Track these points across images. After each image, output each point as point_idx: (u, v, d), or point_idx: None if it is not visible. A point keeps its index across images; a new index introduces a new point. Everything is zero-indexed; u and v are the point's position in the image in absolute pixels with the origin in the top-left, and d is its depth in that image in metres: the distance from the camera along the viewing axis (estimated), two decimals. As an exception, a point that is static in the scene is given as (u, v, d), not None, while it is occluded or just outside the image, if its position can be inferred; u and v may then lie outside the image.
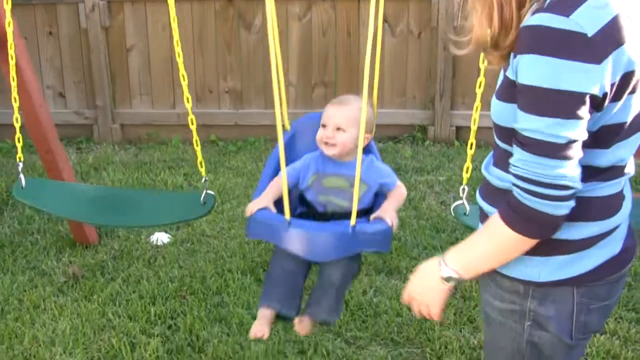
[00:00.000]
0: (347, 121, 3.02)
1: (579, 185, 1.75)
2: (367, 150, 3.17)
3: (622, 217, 1.92)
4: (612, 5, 1.72)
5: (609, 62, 1.69)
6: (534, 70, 1.71)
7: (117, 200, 4.11)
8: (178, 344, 3.80)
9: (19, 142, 3.91)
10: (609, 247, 1.89)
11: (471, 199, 3.75)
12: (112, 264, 4.60)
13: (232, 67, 6.68)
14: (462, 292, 4.20)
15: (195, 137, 3.82)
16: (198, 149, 3.83)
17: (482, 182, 2.05)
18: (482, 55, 3.46)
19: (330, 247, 2.85)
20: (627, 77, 1.74)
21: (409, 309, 3.98)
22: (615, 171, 1.87)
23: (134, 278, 4.44)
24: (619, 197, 1.91)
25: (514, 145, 1.78)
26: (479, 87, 3.55)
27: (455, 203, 3.62)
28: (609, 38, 1.69)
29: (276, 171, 3.16)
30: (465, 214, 3.57)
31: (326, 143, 3.04)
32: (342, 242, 2.83)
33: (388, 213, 2.92)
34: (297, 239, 2.83)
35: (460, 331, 3.89)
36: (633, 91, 1.77)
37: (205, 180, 3.78)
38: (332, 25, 6.54)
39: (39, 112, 4.37)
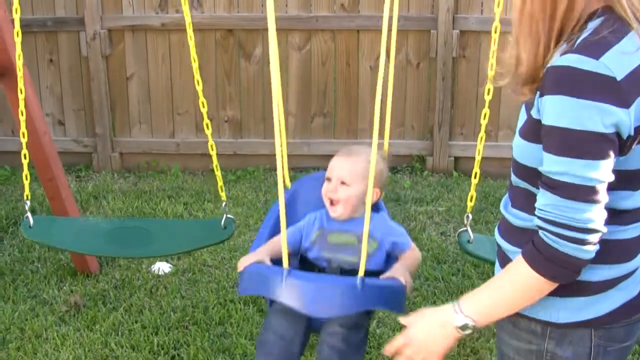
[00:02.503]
0: (352, 175, 2.81)
1: (605, 229, 1.76)
2: (376, 208, 2.93)
3: None
4: (639, 52, 1.74)
5: (635, 105, 1.71)
6: (561, 111, 1.72)
7: (133, 232, 4.10)
8: (182, 374, 3.80)
9: (26, 179, 3.87)
10: (627, 290, 1.90)
11: (474, 227, 3.76)
12: (113, 293, 4.59)
13: (232, 96, 6.71)
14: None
15: (215, 162, 3.91)
16: (218, 173, 3.92)
17: (501, 220, 2.05)
18: (487, 87, 3.50)
19: (334, 302, 2.51)
20: None
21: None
22: (636, 214, 1.88)
23: (136, 308, 4.43)
24: (639, 240, 1.92)
25: (540, 188, 1.79)
26: (484, 118, 3.60)
27: (460, 230, 3.64)
28: (636, 83, 1.71)
29: (274, 229, 2.91)
30: (469, 241, 3.59)
31: (331, 202, 2.84)
32: (349, 296, 2.50)
33: (400, 273, 2.65)
34: (296, 292, 2.49)
35: (465, 363, 3.90)
36: None
37: (225, 204, 3.87)
38: (332, 56, 6.58)
39: (42, 140, 4.38)
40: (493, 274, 2.06)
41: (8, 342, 4.11)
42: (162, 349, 4.03)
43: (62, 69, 6.73)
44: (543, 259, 1.78)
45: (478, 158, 3.62)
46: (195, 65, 3.73)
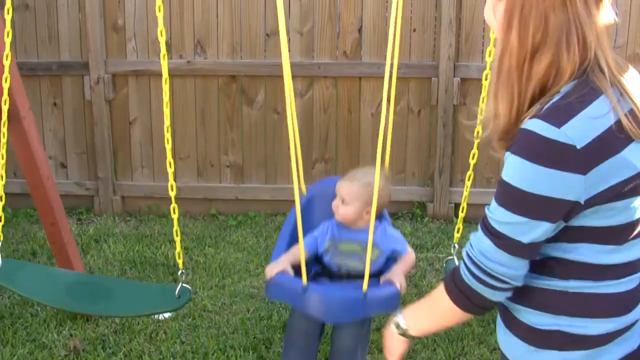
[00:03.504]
0: (349, 196, 3.39)
1: (519, 283, 1.87)
2: (379, 217, 3.47)
3: (639, 313, 1.93)
4: (612, 113, 1.77)
5: (598, 170, 1.75)
6: (516, 172, 1.80)
7: (92, 287, 4.14)
8: (181, 421, 3.77)
9: (0, 220, 3.92)
10: (627, 343, 1.90)
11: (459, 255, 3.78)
12: (113, 338, 4.58)
13: (234, 141, 6.74)
14: (465, 372, 4.20)
15: (175, 226, 3.78)
16: (177, 239, 3.78)
17: None
18: (476, 129, 3.59)
19: (344, 310, 3.17)
20: (628, 181, 1.79)
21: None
22: (629, 268, 1.89)
23: (136, 353, 4.41)
24: (635, 293, 1.92)
25: (479, 227, 1.89)
26: (472, 158, 3.76)
27: (447, 258, 3.75)
28: (601, 149, 1.76)
29: (294, 234, 3.42)
30: None
31: (335, 212, 3.45)
32: (355, 306, 3.11)
33: (397, 276, 3.25)
34: (313, 303, 3.11)
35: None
36: (638, 193, 1.82)
37: (182, 272, 3.73)
38: (333, 102, 6.62)
39: (45, 184, 4.40)
40: (493, 320, 2.14)
41: (6, 386, 4.10)
42: (161, 394, 4.02)
43: (65, 113, 6.78)
44: (455, 288, 1.93)
45: (465, 194, 3.88)
46: (167, 111, 3.65)
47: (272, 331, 4.64)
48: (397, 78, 6.25)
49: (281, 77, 6.42)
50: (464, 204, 3.79)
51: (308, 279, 3.16)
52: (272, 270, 3.22)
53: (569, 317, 1.87)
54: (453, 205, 6.67)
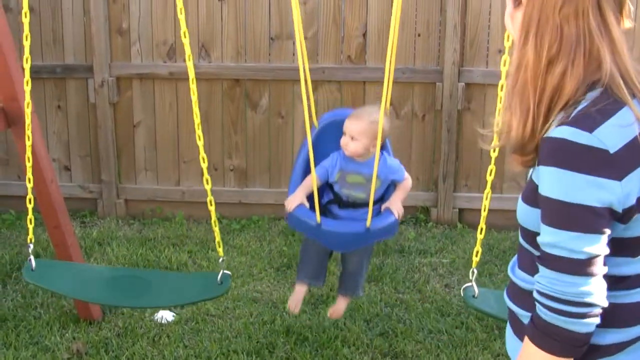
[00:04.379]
0: (357, 133, 3.68)
1: (604, 302, 1.76)
2: (382, 147, 3.79)
3: None
4: (636, 124, 1.75)
5: (632, 178, 1.73)
6: (553, 183, 1.75)
7: (132, 281, 4.11)
8: None
9: (30, 223, 3.89)
10: (636, 354, 1.89)
11: (478, 279, 3.76)
12: (116, 341, 4.58)
13: (238, 145, 6.74)
14: (468, 378, 4.18)
15: (213, 218, 3.96)
16: (216, 229, 3.96)
17: (509, 283, 2.06)
18: (492, 143, 3.52)
19: (350, 242, 3.75)
20: None
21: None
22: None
23: (139, 356, 4.41)
24: None
25: (537, 262, 1.81)
26: (490, 174, 3.61)
27: (465, 285, 3.65)
28: (632, 155, 1.73)
29: (307, 164, 3.79)
30: (474, 296, 3.59)
31: (344, 148, 3.73)
32: (360, 238, 3.68)
33: (395, 204, 3.75)
34: (325, 236, 3.67)
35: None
36: None
37: (222, 260, 3.89)
38: (338, 106, 6.61)
39: (49, 187, 4.40)
40: (496, 326, 2.08)
41: (9, 389, 4.09)
42: (164, 398, 4.01)
43: (69, 116, 6.78)
44: (543, 335, 1.80)
45: (484, 214, 3.67)
46: (197, 121, 3.78)
47: (275, 335, 4.63)
48: (402, 83, 6.25)
49: (285, 81, 6.50)
50: (482, 225, 3.65)
51: (321, 206, 3.68)
52: (291, 204, 3.68)
53: None
54: (457, 210, 6.66)
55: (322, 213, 3.72)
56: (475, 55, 6.44)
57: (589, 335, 1.78)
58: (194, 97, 3.76)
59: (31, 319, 4.85)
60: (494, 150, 3.51)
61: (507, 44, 3.45)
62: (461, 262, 5.78)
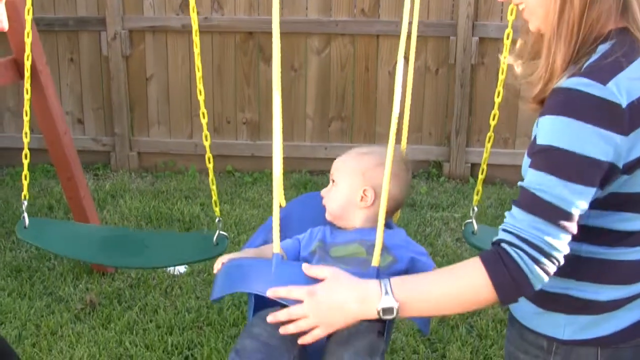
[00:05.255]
0: (340, 171, 2.33)
1: (560, 262, 1.73)
2: (386, 226, 2.12)
3: None
4: None
5: (637, 133, 1.70)
6: (557, 131, 1.71)
7: (126, 241, 4.09)
8: (195, 375, 3.81)
9: (25, 179, 3.86)
10: (637, 310, 1.88)
11: (479, 219, 3.78)
12: (129, 292, 4.62)
13: (251, 99, 6.73)
14: (478, 331, 4.21)
15: (211, 175, 3.78)
16: (214, 187, 3.77)
17: None
18: (497, 90, 3.51)
19: None
20: None
21: (426, 346, 4.01)
22: None
23: (151, 307, 4.45)
24: None
25: (514, 205, 1.76)
26: (493, 119, 3.64)
27: (466, 221, 3.67)
28: None
29: (264, 241, 2.43)
30: (473, 232, 3.61)
31: (324, 204, 2.36)
32: None
33: None
34: (290, 282, 1.91)
35: (477, 370, 3.90)
36: None
37: (219, 220, 3.70)
38: (351, 60, 6.60)
39: (63, 139, 4.42)
40: None
41: (24, 338, 4.14)
42: (176, 349, 4.05)
43: (82, 69, 6.79)
44: (502, 265, 1.71)
45: (486, 155, 3.71)
46: (199, 75, 3.60)
47: (286, 288, 4.66)
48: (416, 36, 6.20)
49: (299, 34, 6.48)
50: (483, 166, 3.68)
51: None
52: (221, 259, 2.22)
53: (577, 282, 1.85)
54: (469, 165, 6.66)
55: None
56: (490, 9, 6.39)
57: (533, 288, 1.73)
58: (197, 50, 3.57)
59: (45, 270, 4.89)
60: (498, 95, 3.52)
61: None
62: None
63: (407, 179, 2.38)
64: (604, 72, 1.71)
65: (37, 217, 5.36)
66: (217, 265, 2.21)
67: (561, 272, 1.79)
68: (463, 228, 3.70)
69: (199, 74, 3.62)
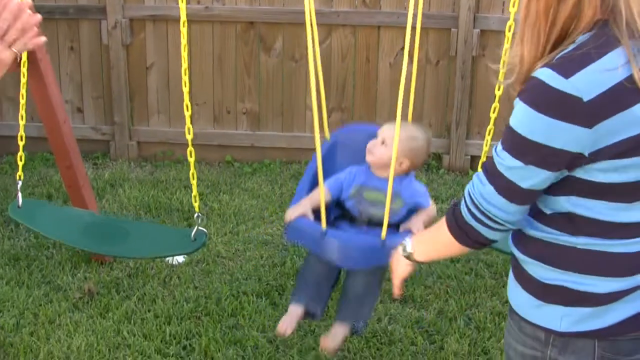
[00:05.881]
0: (392, 139, 3.10)
1: (514, 227, 1.94)
2: (406, 173, 3.35)
3: None
4: (625, 67, 1.74)
5: (606, 124, 1.73)
6: (521, 119, 1.81)
7: (109, 229, 4.12)
8: (193, 365, 3.81)
9: (20, 160, 3.94)
10: (634, 303, 1.89)
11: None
12: (127, 281, 4.62)
13: (251, 89, 6.72)
14: (476, 323, 4.21)
15: (192, 170, 3.77)
16: (194, 182, 3.77)
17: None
18: (497, 85, 3.52)
19: (360, 257, 3.14)
20: (638, 138, 1.76)
21: (424, 337, 4.02)
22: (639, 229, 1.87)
23: (149, 297, 4.45)
24: None
25: (480, 171, 1.95)
26: (493, 112, 3.66)
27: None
28: (610, 102, 1.73)
29: (315, 178, 3.29)
30: None
31: (370, 152, 3.31)
32: (372, 253, 3.06)
33: (416, 226, 3.18)
34: (331, 248, 3.09)
35: (475, 363, 3.90)
36: None
37: (198, 216, 3.67)
38: (352, 51, 6.58)
39: (62, 127, 4.41)
40: (505, 273, 2.14)
41: (22, 326, 4.15)
42: (174, 338, 4.05)
43: (82, 57, 6.77)
44: (455, 223, 2.01)
45: (485, 149, 3.74)
46: (184, 65, 3.60)
47: (285, 278, 4.66)
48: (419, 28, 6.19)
49: (300, 24, 6.45)
50: (484, 159, 3.70)
51: (328, 223, 3.13)
52: (292, 213, 3.18)
53: (575, 274, 1.86)
54: (469, 157, 6.65)
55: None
56: (492, 1, 6.37)
57: (493, 240, 1.98)
58: (184, 41, 3.56)
59: (43, 258, 4.89)
60: (499, 88, 3.53)
61: None
62: (472, 209, 5.77)
63: (427, 151, 3.40)
64: (572, 64, 1.75)
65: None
66: (287, 217, 3.19)
67: (559, 264, 1.82)
68: None
69: (184, 65, 3.62)
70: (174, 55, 6.67)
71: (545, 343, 1.94)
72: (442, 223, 2.07)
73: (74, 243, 4.31)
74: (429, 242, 2.20)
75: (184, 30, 3.54)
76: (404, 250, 2.23)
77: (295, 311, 3.28)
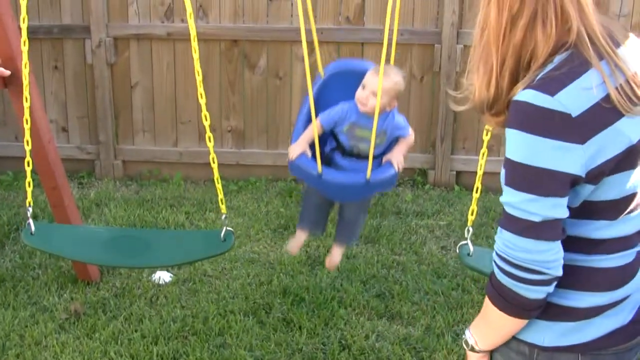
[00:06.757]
0: (382, 90, 3.57)
1: (555, 272, 1.78)
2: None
3: (632, 289, 1.92)
4: (602, 87, 1.74)
5: (595, 142, 1.73)
6: (516, 145, 1.77)
7: (131, 241, 4.08)
8: (181, 385, 3.79)
9: (29, 186, 3.87)
10: (616, 317, 1.90)
11: (475, 241, 3.79)
12: (113, 301, 4.60)
13: (235, 106, 6.72)
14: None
15: (216, 175, 3.87)
16: (219, 186, 3.86)
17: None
18: (485, 132, 3.54)
19: (350, 193, 3.79)
20: (623, 154, 1.77)
21: (412, 354, 4.01)
22: (622, 243, 1.89)
23: (136, 317, 4.44)
24: (627, 269, 1.91)
25: (498, 222, 1.84)
26: (486, 134, 3.60)
27: (461, 243, 3.66)
28: (595, 119, 1.73)
29: (309, 114, 3.74)
30: (469, 254, 3.60)
31: (362, 103, 3.67)
32: (360, 189, 3.69)
33: (396, 157, 3.74)
34: (326, 186, 3.68)
35: (463, 379, 3.89)
36: (636, 165, 1.81)
37: (225, 216, 3.80)
38: (336, 68, 6.59)
39: (47, 148, 4.39)
40: None
41: (7, 348, 4.12)
42: (162, 358, 4.04)
43: (66, 76, 6.76)
44: (497, 295, 1.85)
45: (480, 173, 3.67)
46: (199, 79, 3.71)
47: (272, 296, 4.66)
48: (400, 44, 6.20)
49: (283, 42, 6.48)
50: (478, 184, 3.63)
51: (324, 154, 3.77)
52: (293, 152, 3.66)
53: (558, 288, 1.86)
54: (454, 172, 6.67)
55: (325, 161, 3.76)
56: (474, 17, 6.39)
57: (538, 301, 1.81)
58: (196, 55, 3.66)
59: (29, 279, 4.87)
60: (487, 134, 3.53)
61: None
62: (458, 224, 5.80)
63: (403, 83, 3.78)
64: (553, 83, 1.74)
65: (21, 226, 5.33)
66: (290, 155, 3.65)
67: None
68: (458, 250, 3.68)
69: (199, 78, 3.74)
70: (158, 74, 6.68)
71: (530, 357, 1.94)
72: (486, 305, 1.92)
73: (100, 261, 4.28)
74: (484, 325, 1.98)
75: (194, 44, 3.68)
76: (467, 344, 2.03)
77: (300, 235, 4.08)
